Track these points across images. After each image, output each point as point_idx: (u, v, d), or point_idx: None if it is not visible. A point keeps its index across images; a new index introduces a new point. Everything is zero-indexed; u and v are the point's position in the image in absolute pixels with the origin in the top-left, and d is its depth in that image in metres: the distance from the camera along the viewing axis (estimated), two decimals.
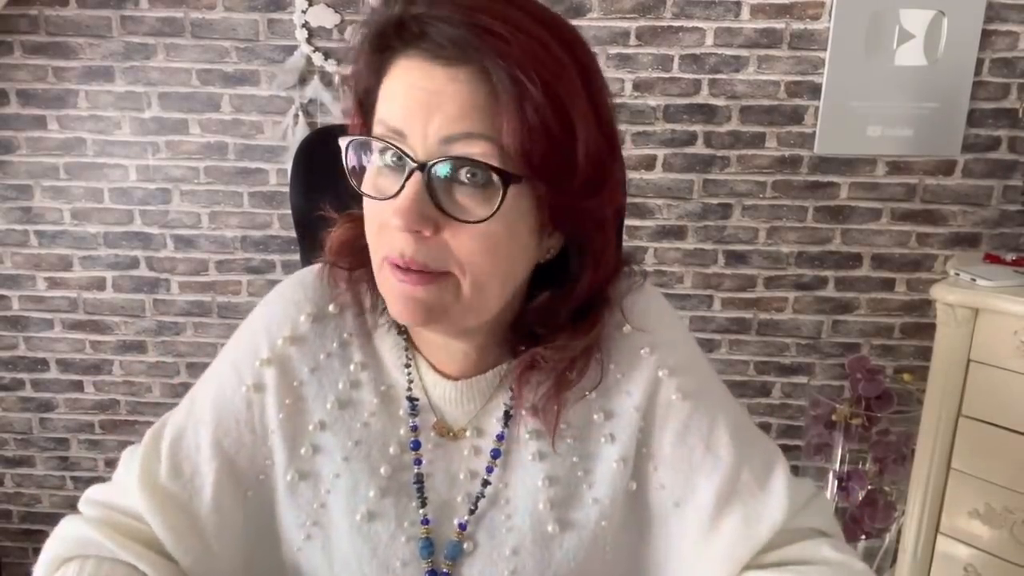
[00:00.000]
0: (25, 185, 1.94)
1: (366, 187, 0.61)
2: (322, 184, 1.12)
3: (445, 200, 0.58)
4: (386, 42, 0.60)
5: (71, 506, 2.40)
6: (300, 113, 1.87)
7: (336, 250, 0.71)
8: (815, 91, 1.85)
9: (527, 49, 0.56)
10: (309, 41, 1.84)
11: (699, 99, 1.87)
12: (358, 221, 0.69)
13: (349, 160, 0.62)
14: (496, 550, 0.70)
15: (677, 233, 1.94)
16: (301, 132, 1.86)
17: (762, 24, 1.82)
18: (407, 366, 0.72)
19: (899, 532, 1.71)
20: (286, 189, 1.92)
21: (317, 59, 1.84)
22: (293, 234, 1.90)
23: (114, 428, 2.09)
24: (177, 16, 1.84)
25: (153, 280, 2.00)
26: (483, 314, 0.64)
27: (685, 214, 1.93)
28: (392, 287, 0.61)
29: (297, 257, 1.31)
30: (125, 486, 0.72)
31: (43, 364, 2.06)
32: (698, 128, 1.88)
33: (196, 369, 2.04)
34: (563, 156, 0.59)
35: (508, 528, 0.71)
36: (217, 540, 0.70)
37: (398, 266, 0.60)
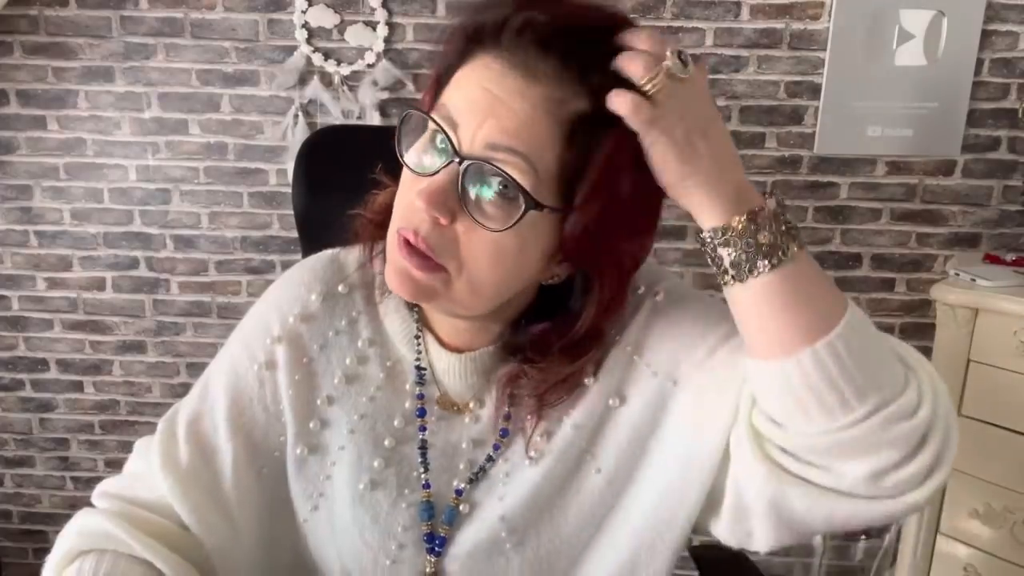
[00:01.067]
0: (25, 185, 1.94)
1: (409, 158, 0.63)
2: (324, 184, 1.13)
3: (470, 199, 0.60)
4: (480, 35, 0.62)
5: (71, 506, 2.39)
6: (300, 113, 1.87)
7: (375, 209, 0.73)
8: (815, 91, 1.85)
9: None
10: (309, 41, 1.84)
11: None
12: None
13: (404, 127, 0.64)
14: (491, 511, 0.72)
15: (677, 233, 1.94)
16: (301, 132, 1.86)
17: (762, 24, 1.82)
18: (416, 337, 0.74)
19: (899, 532, 1.71)
20: (286, 189, 1.92)
21: (317, 59, 1.84)
22: (293, 234, 1.90)
23: (114, 428, 2.09)
24: (177, 16, 1.84)
25: (153, 280, 1.99)
26: (472, 310, 0.66)
27: (685, 214, 1.91)
28: (395, 259, 0.64)
29: (298, 257, 1.32)
30: (141, 475, 0.73)
31: (43, 364, 2.06)
32: None
33: (196, 369, 2.03)
34: (608, 201, 0.60)
35: (501, 496, 0.72)
36: (239, 516, 0.73)
37: (407, 243, 0.62)
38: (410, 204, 0.62)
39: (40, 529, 2.16)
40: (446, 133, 0.60)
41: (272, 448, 0.74)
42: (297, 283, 0.76)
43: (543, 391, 0.69)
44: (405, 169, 0.64)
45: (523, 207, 0.59)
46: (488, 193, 0.60)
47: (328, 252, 0.78)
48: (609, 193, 0.60)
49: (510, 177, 0.58)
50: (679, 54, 0.56)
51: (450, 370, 0.74)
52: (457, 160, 0.59)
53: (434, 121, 0.61)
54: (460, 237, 0.61)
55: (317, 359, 0.74)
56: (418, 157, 0.63)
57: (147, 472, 0.72)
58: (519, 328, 0.72)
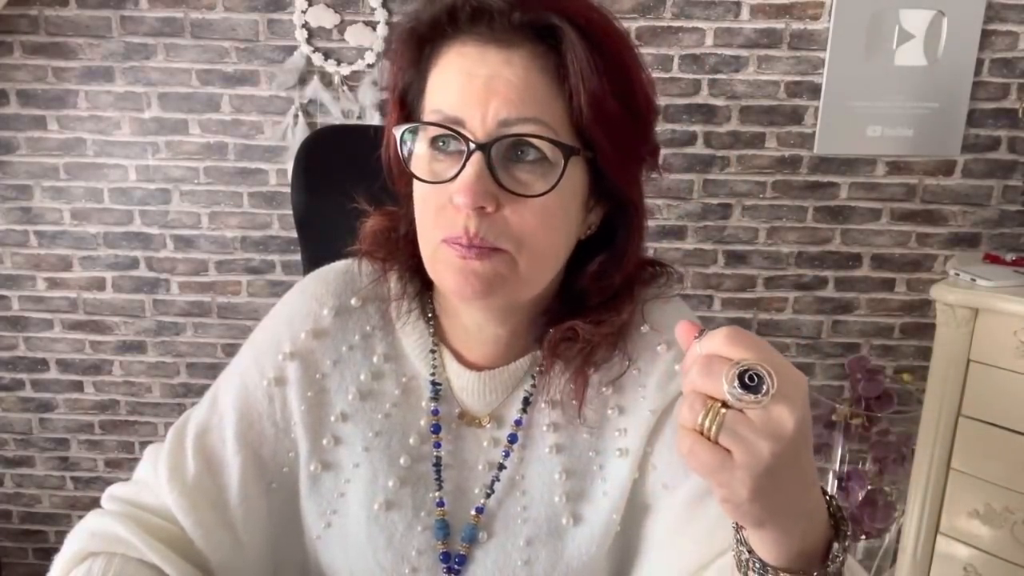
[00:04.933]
0: (25, 185, 1.94)
1: (420, 174, 0.63)
2: (323, 184, 1.13)
3: (505, 178, 0.61)
4: (434, 33, 0.63)
5: (71, 506, 2.39)
6: (300, 113, 1.87)
7: (369, 240, 0.73)
8: (815, 91, 1.85)
9: (592, 19, 0.61)
10: (309, 41, 1.84)
11: (699, 99, 1.87)
12: (391, 215, 0.73)
13: (403, 150, 0.65)
14: (511, 540, 0.71)
15: (677, 233, 1.94)
16: (301, 132, 1.86)
17: (762, 24, 1.82)
18: (432, 351, 0.74)
19: (899, 532, 1.71)
20: (286, 189, 1.92)
21: (317, 59, 1.84)
22: (293, 234, 1.90)
23: (114, 428, 2.08)
24: (177, 16, 1.84)
25: (153, 280, 1.99)
26: (536, 287, 0.67)
27: (685, 214, 1.93)
28: (452, 263, 0.63)
29: (297, 257, 1.31)
30: (150, 484, 0.72)
31: (43, 364, 2.06)
32: (698, 128, 1.88)
33: (196, 369, 2.04)
34: (627, 116, 0.63)
35: (524, 519, 0.72)
36: (245, 532, 0.72)
37: (458, 244, 0.62)
38: (444, 210, 0.62)
39: (40, 529, 2.15)
40: (456, 131, 0.60)
41: (281, 464, 0.73)
42: (310, 297, 0.75)
43: (594, 344, 0.69)
44: (418, 187, 0.65)
45: (562, 160, 0.60)
46: (517, 166, 0.61)
47: (342, 263, 0.77)
48: (611, 109, 0.62)
49: (537, 137, 0.60)
50: (744, 377, 0.43)
51: (468, 387, 0.73)
52: (478, 148, 0.59)
53: (437, 125, 0.61)
54: (510, 219, 0.61)
55: (330, 375, 0.73)
56: (428, 169, 0.63)
57: (155, 481, 0.72)
58: (564, 294, 0.72)
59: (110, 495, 0.73)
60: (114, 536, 0.68)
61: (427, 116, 0.63)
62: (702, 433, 0.43)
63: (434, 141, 0.63)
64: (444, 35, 0.62)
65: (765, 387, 0.42)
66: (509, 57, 0.60)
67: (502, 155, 0.60)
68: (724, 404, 0.43)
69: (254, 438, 0.72)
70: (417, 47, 0.64)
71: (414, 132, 0.64)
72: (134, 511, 0.71)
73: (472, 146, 0.59)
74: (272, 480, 0.73)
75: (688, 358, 0.46)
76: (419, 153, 0.64)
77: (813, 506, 0.50)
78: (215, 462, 0.72)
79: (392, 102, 0.68)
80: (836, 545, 0.51)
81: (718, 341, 0.44)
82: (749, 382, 0.42)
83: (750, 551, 0.51)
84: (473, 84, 0.60)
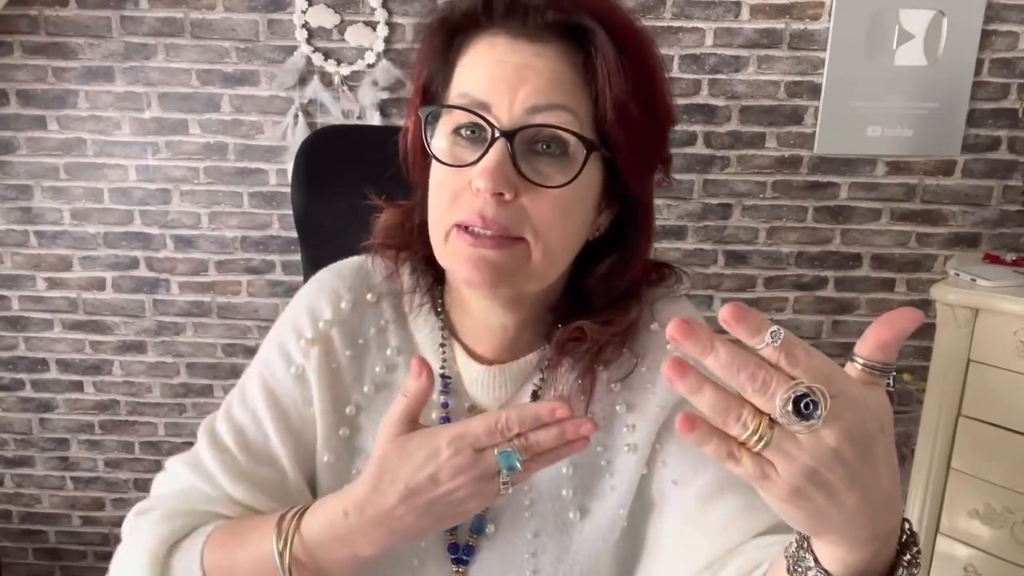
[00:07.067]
0: (25, 185, 1.94)
1: (441, 157, 0.64)
2: (323, 184, 1.13)
3: (526, 167, 0.61)
4: (466, 23, 0.64)
5: (71, 506, 2.38)
6: (300, 113, 1.87)
7: (382, 233, 0.75)
8: (815, 91, 1.85)
9: (623, 24, 0.62)
10: (309, 41, 1.84)
11: (699, 99, 1.87)
12: (403, 208, 0.74)
13: (428, 129, 0.65)
14: (518, 533, 0.72)
15: (677, 233, 1.94)
16: (301, 132, 1.86)
17: (762, 24, 1.82)
18: (442, 345, 0.75)
19: None
20: (286, 189, 1.92)
21: (317, 59, 1.84)
22: (293, 234, 1.90)
23: (114, 428, 2.08)
24: (177, 16, 1.84)
25: (153, 280, 1.99)
26: (545, 280, 0.67)
27: (685, 214, 1.93)
28: (463, 251, 0.63)
29: (297, 257, 1.31)
30: (194, 489, 0.72)
31: (43, 364, 2.05)
32: (698, 128, 1.88)
33: (196, 369, 2.03)
34: (648, 123, 0.64)
35: (531, 512, 0.72)
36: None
37: (471, 232, 0.62)
38: (460, 194, 0.63)
39: (40, 529, 2.15)
40: (482, 116, 0.61)
41: (311, 441, 0.74)
42: (328, 290, 0.76)
43: (602, 344, 0.70)
44: (436, 172, 0.65)
45: (584, 153, 0.61)
46: (538, 157, 0.62)
47: (355, 259, 0.78)
48: (634, 113, 0.62)
49: (563, 128, 0.61)
50: (798, 402, 0.40)
51: (478, 381, 0.74)
52: (503, 135, 0.60)
53: (464, 108, 0.62)
54: (527, 208, 0.62)
55: (347, 367, 0.74)
56: (449, 154, 0.64)
57: (211, 484, 0.71)
58: (570, 296, 0.72)
59: (139, 510, 0.71)
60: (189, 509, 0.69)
61: (453, 100, 0.63)
62: (743, 444, 0.41)
63: (457, 131, 0.63)
64: (477, 25, 0.63)
65: (819, 413, 0.40)
66: (540, 50, 0.61)
67: (525, 146, 0.61)
68: (771, 419, 0.41)
69: (293, 424, 0.73)
70: (448, 37, 0.65)
71: (436, 118, 0.65)
72: (174, 506, 0.70)
73: (496, 133, 0.60)
74: (312, 457, 0.74)
75: (728, 350, 0.41)
76: (440, 142, 0.64)
77: (889, 531, 0.48)
78: (266, 456, 0.72)
79: (414, 90, 0.69)
80: (902, 571, 0.49)
81: (779, 353, 0.40)
82: (804, 409, 0.40)
83: (816, 560, 0.49)
84: (504, 69, 0.61)
